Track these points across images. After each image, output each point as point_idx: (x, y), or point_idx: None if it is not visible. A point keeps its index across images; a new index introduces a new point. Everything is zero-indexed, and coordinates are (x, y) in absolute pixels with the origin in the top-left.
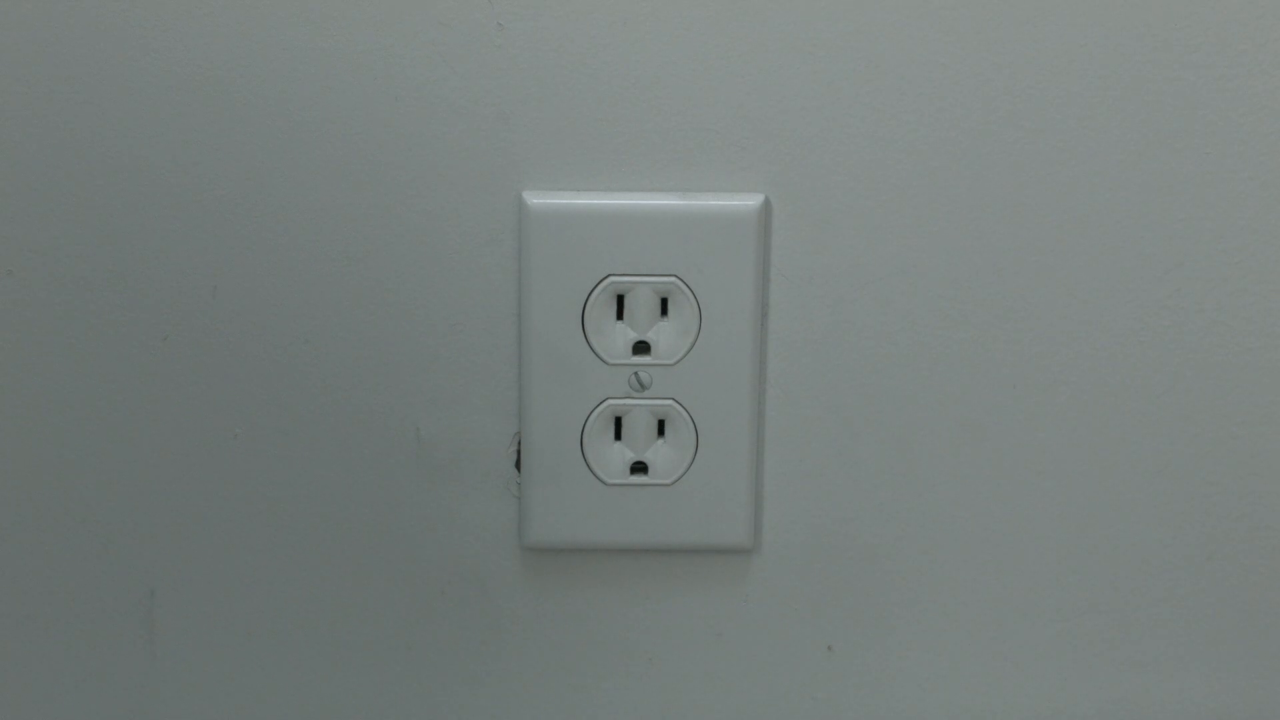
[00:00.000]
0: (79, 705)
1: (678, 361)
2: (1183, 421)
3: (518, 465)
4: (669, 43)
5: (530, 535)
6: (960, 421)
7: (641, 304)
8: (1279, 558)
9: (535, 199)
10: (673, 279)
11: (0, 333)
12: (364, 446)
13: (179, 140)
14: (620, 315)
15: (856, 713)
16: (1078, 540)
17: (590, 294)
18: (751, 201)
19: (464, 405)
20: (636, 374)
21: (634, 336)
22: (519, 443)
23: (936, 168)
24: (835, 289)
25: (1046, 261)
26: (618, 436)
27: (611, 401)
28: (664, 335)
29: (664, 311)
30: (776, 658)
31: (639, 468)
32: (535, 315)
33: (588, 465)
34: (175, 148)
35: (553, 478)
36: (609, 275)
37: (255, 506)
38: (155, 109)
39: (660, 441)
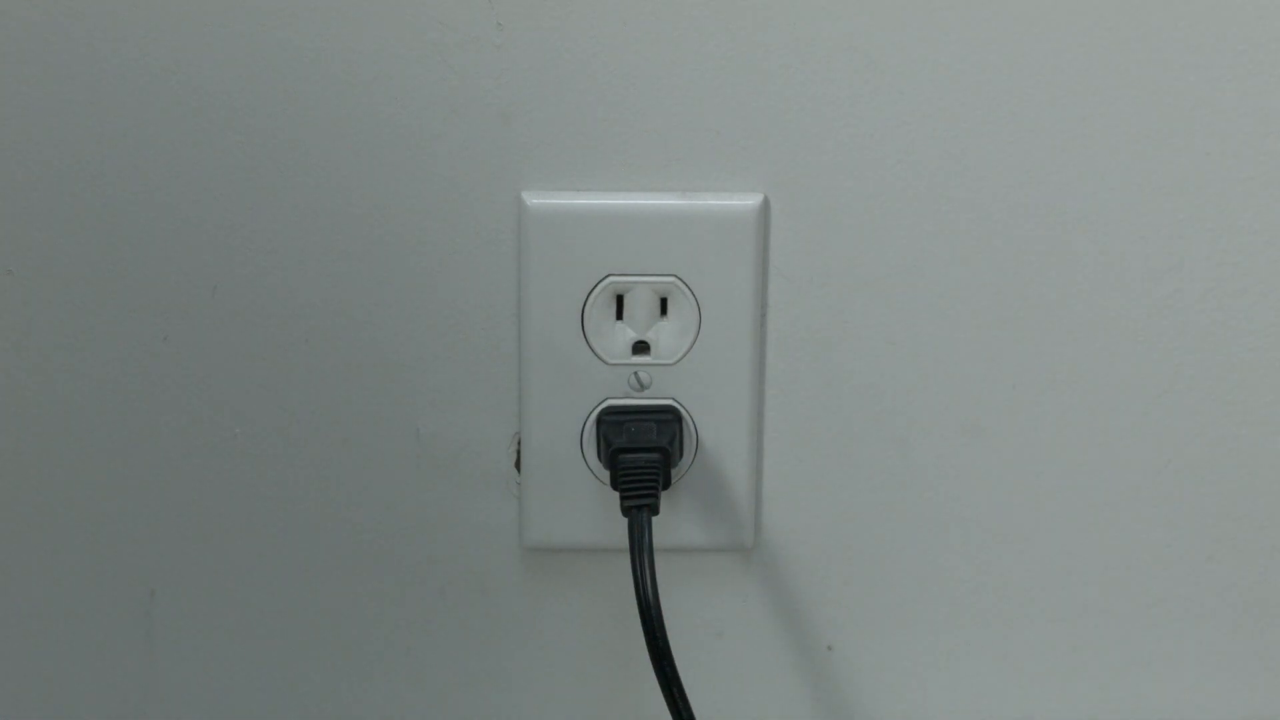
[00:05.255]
0: (79, 705)
1: (677, 361)
2: (1183, 421)
3: (518, 465)
4: (669, 43)
5: (530, 535)
6: (960, 421)
7: (641, 304)
8: (1279, 558)
9: (535, 199)
10: (672, 279)
11: (0, 333)
12: (364, 446)
13: (179, 140)
14: (620, 315)
15: (856, 713)
16: (1077, 540)
17: (590, 294)
18: (751, 201)
19: (464, 405)
20: (636, 374)
21: (634, 336)
22: (519, 443)
23: (936, 168)
24: (835, 289)
25: (1046, 261)
26: None
27: (611, 401)
28: (664, 335)
29: (664, 311)
30: (776, 658)
31: None
32: (535, 315)
33: (587, 465)
34: (175, 147)
35: (553, 478)
36: (609, 275)
37: (255, 506)
38: (155, 108)
39: None
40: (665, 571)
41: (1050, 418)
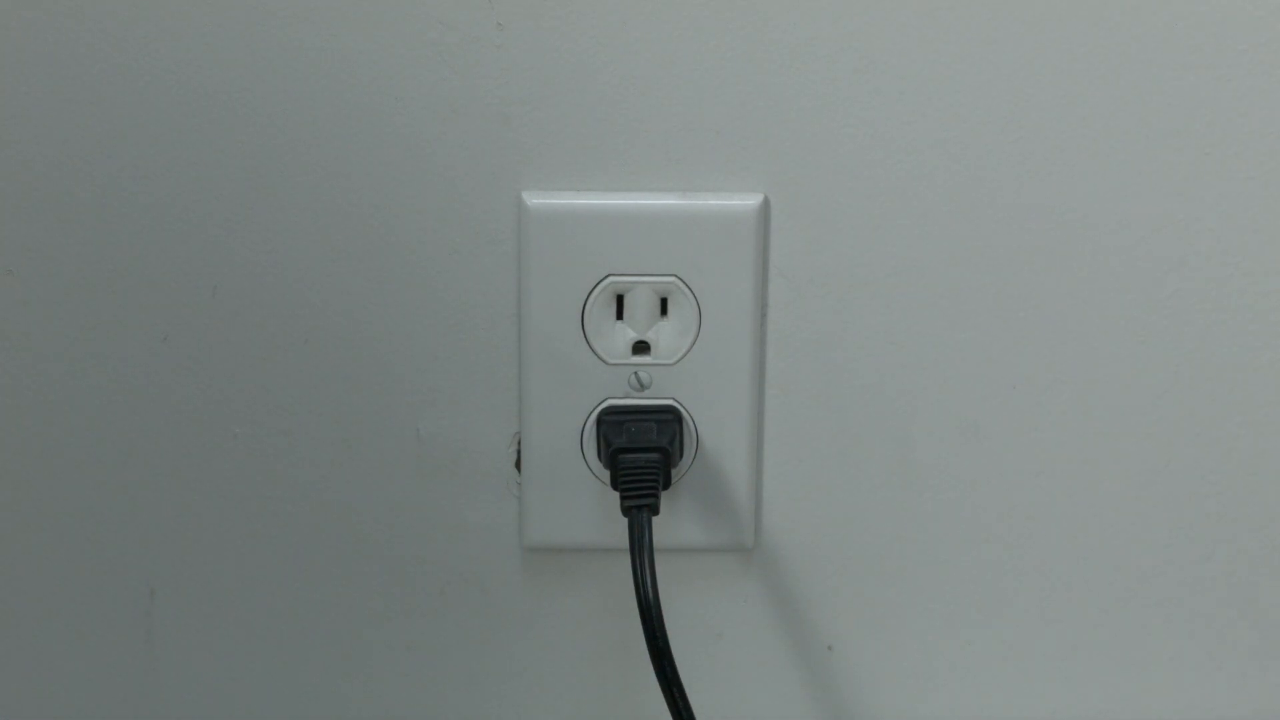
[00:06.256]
0: (79, 705)
1: (677, 361)
2: (1183, 421)
3: (518, 465)
4: (669, 43)
5: (530, 535)
6: (960, 421)
7: (641, 304)
8: (1279, 558)
9: (535, 199)
10: (672, 279)
11: (0, 333)
12: (364, 446)
13: (179, 140)
14: (620, 315)
15: (856, 713)
16: (1077, 540)
17: (590, 294)
18: (751, 201)
19: (464, 405)
20: (636, 374)
21: (634, 336)
22: (519, 443)
23: (936, 168)
24: (835, 289)
25: (1046, 261)
26: None
27: (611, 401)
28: (664, 335)
29: (664, 311)
30: (776, 658)
31: None
32: (535, 315)
33: (587, 465)
34: (175, 147)
35: (553, 478)
36: (609, 275)
37: (255, 506)
38: (155, 108)
39: None
40: (665, 571)
41: (1050, 418)
